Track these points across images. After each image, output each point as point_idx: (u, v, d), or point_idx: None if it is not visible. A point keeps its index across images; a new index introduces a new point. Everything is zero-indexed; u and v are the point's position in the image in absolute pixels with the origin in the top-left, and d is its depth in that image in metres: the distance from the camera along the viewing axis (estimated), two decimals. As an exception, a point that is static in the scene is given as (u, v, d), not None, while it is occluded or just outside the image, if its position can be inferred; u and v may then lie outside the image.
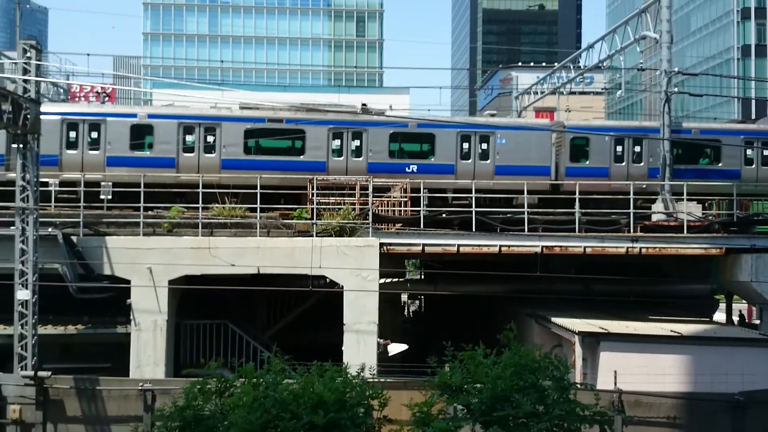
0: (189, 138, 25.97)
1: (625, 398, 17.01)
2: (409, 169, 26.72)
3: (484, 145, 27.31)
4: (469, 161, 27.25)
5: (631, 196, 23.46)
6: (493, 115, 29.71)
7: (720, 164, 28.27)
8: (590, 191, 25.68)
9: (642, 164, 27.81)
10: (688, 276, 26.12)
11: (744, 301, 31.05)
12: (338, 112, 27.36)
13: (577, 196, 23.32)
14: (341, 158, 26.55)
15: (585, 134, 28.13)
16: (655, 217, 24.74)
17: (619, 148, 27.78)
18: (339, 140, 26.56)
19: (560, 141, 27.78)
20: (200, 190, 21.78)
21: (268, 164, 25.85)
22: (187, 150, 25.92)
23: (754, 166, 28.33)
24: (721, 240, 23.30)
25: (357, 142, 26.64)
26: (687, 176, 26.42)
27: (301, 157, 26.55)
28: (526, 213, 22.96)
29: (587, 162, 27.88)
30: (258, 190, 21.91)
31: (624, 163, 27.78)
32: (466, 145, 27.24)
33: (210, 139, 25.98)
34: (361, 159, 26.59)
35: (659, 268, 26.52)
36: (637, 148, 27.83)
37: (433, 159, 27.30)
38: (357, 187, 23.25)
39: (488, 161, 27.26)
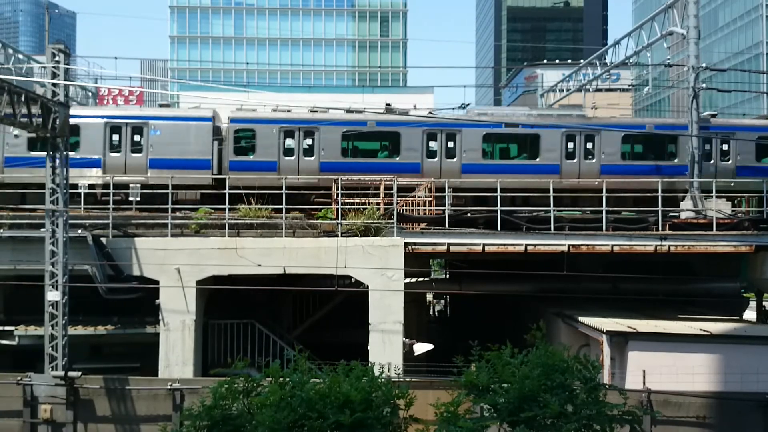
0: None
1: (654, 398, 16.89)
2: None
3: (137, 137, 25.54)
4: (119, 154, 25.43)
5: (660, 194, 23.19)
6: (163, 105, 27.02)
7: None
8: (257, 186, 23.75)
9: (314, 158, 26.25)
10: (717, 274, 25.78)
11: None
12: None
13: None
14: None
15: (251, 126, 26.32)
16: (684, 215, 24.46)
17: (289, 141, 26.20)
18: None
19: (226, 134, 26.31)
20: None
21: None
22: None
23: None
24: (751, 237, 22.96)
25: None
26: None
27: None
28: (552, 211, 22.80)
29: (253, 156, 26.22)
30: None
31: (294, 157, 26.22)
32: (116, 137, 25.48)
33: None
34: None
35: (688, 267, 26.20)
36: (309, 141, 26.23)
37: (78, 152, 24.94)
38: (381, 187, 23.25)
39: (141, 154, 25.51)
